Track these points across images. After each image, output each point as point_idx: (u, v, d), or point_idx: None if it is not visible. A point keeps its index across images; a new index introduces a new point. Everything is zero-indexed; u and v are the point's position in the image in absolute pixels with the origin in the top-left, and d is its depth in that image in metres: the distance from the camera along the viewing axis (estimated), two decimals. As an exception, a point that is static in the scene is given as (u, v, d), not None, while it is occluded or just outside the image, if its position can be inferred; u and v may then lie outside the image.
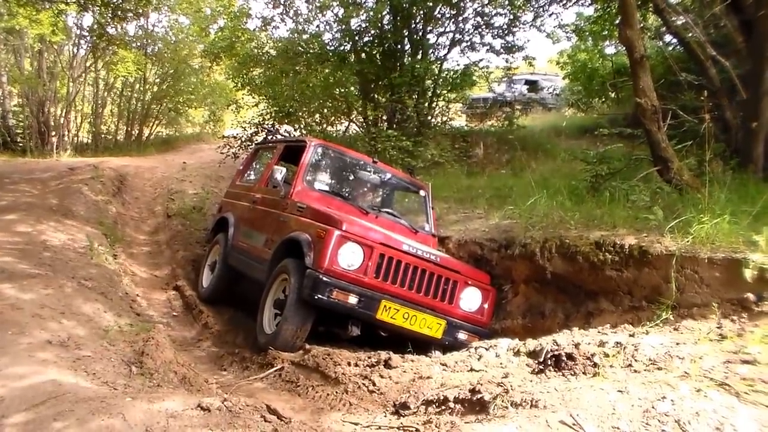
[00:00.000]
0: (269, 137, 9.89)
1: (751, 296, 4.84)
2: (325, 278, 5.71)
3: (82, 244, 8.20)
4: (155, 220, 12.99)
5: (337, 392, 4.84)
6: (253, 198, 8.21)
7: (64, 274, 6.61)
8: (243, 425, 3.25)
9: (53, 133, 21.58)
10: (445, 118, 16.56)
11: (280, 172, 7.16)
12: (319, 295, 5.67)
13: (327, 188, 7.73)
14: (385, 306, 5.89)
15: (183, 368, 4.94)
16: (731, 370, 3.40)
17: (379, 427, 3.92)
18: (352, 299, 5.77)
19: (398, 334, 6.18)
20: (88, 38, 22.34)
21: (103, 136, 25.55)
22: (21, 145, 21.14)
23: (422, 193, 8.43)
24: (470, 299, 6.54)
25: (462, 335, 6.33)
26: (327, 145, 8.17)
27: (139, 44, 24.77)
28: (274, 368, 5.55)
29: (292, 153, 8.07)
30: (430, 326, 6.16)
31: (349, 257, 5.87)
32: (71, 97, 22.71)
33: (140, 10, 18.89)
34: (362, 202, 8.16)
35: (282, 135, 9.26)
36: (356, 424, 4.06)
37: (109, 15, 17.20)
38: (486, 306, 6.63)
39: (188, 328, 7.65)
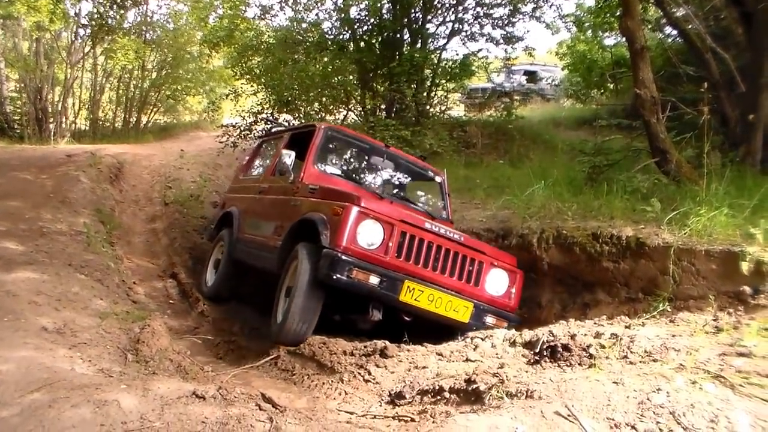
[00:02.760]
0: (272, 129, 9.76)
1: (747, 289, 4.86)
2: (344, 257, 5.26)
3: (79, 231, 8.18)
4: (153, 208, 12.96)
5: (332, 381, 4.84)
6: (260, 188, 7.96)
7: (61, 261, 6.60)
8: (238, 413, 3.24)
9: (51, 120, 21.47)
10: (443, 108, 16.56)
11: (289, 156, 6.78)
12: (338, 275, 5.21)
13: (339, 172, 7.40)
14: (408, 287, 5.44)
15: (179, 356, 4.95)
16: (727, 362, 3.40)
17: (375, 417, 3.92)
18: (373, 279, 5.31)
19: (422, 318, 5.75)
20: (87, 25, 22.23)
21: (101, 123, 25.40)
22: (18, 131, 21.01)
23: (438, 179, 8.12)
24: (497, 282, 6.09)
25: (490, 319, 5.87)
26: (337, 129, 7.91)
27: (137, 32, 24.69)
28: (270, 357, 5.55)
29: (299, 141, 7.60)
30: (457, 309, 5.69)
31: (369, 235, 5.45)
32: (69, 84, 22.61)
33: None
34: (375, 187, 7.70)
35: (283, 125, 9.07)
36: (351, 413, 4.06)
37: (109, 2, 17.15)
38: (514, 290, 6.17)
39: (184, 316, 7.65)
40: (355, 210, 5.40)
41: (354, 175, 7.74)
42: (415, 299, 5.49)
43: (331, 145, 7.65)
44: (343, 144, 7.91)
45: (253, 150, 9.84)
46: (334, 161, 7.56)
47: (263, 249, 6.98)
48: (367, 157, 8.08)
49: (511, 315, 6.10)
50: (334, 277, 5.22)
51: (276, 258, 6.42)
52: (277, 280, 6.25)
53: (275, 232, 6.81)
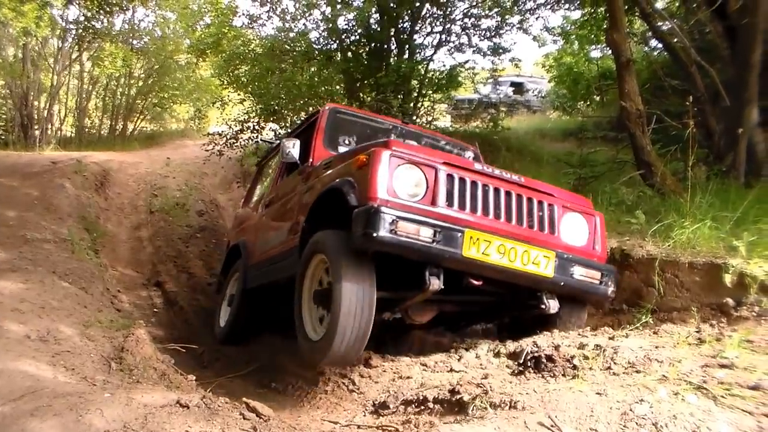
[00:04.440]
0: (267, 150, 9.15)
1: (730, 301, 4.90)
2: (383, 208, 4.07)
3: (64, 239, 8.15)
4: (138, 216, 12.94)
5: (317, 391, 4.84)
6: (266, 203, 7.14)
7: (45, 268, 6.57)
8: (222, 423, 3.24)
9: (36, 127, 21.39)
10: (430, 119, 16.57)
11: (292, 144, 5.93)
12: (380, 232, 4.00)
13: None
14: (472, 238, 4.25)
15: (163, 365, 4.92)
16: (709, 374, 3.42)
17: (359, 427, 3.92)
18: (425, 232, 4.12)
19: (494, 280, 4.61)
20: (74, 31, 22.19)
21: (87, 130, 25.33)
22: (3, 138, 20.90)
23: (469, 154, 7.12)
24: (575, 228, 4.94)
25: (579, 271, 4.69)
26: (344, 109, 7.12)
27: (125, 39, 24.65)
28: (254, 365, 5.54)
29: (303, 136, 6.59)
30: (536, 262, 4.48)
31: (409, 184, 4.35)
32: (55, 91, 22.53)
33: (125, 4, 18.79)
34: None
35: (270, 140, 8.62)
36: (335, 422, 4.06)
37: (95, 9, 17.11)
38: (598, 236, 5.01)
39: (169, 325, 7.63)
40: (386, 154, 4.33)
41: None
42: (483, 253, 4.29)
43: (339, 125, 6.59)
44: (353, 124, 6.76)
45: (252, 179, 9.53)
46: (346, 141, 6.33)
47: (281, 258, 5.93)
48: (384, 136, 6.66)
49: (603, 265, 4.95)
50: (375, 235, 4.01)
51: (295, 258, 5.32)
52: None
53: (290, 232, 5.79)
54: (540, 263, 4.49)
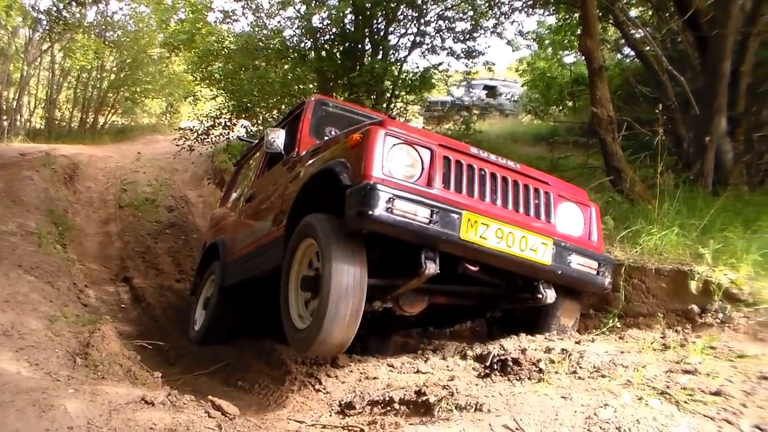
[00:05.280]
0: (245, 149, 9.05)
1: (695, 308, 4.94)
2: (380, 186, 3.89)
3: (30, 232, 8.06)
4: (107, 211, 12.84)
5: (283, 390, 4.82)
6: (247, 198, 6.99)
7: (10, 261, 6.50)
8: (187, 420, 3.22)
9: (5, 118, 21.16)
10: (402, 120, 16.58)
11: (276, 134, 5.79)
12: (375, 211, 3.83)
13: None
14: (470, 220, 4.10)
15: (128, 361, 4.88)
16: (672, 379, 3.45)
17: (324, 426, 3.91)
18: (422, 212, 3.95)
19: (491, 266, 4.49)
20: (45, 22, 21.96)
21: (56, 122, 25.14)
22: (-30, 128, 20.72)
23: None
24: (570, 218, 4.86)
25: (577, 260, 4.58)
26: (329, 100, 6.98)
27: (97, 30, 24.45)
28: (221, 363, 5.51)
29: (286, 128, 6.35)
30: (534, 248, 4.35)
31: (405, 164, 4.20)
32: (25, 81, 22.29)
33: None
34: None
35: (252, 141, 8.44)
36: (301, 422, 4.06)
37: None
38: (594, 227, 4.93)
39: (136, 321, 7.57)
40: (381, 133, 4.18)
41: None
42: (481, 236, 4.15)
43: (325, 116, 6.42)
44: (339, 116, 6.57)
45: (230, 179, 9.30)
46: (332, 132, 5.87)
47: (264, 250, 5.74)
48: None
49: (601, 255, 4.86)
50: (371, 213, 3.84)
51: (281, 248, 5.09)
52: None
53: (275, 222, 5.60)
54: (538, 250, 4.37)
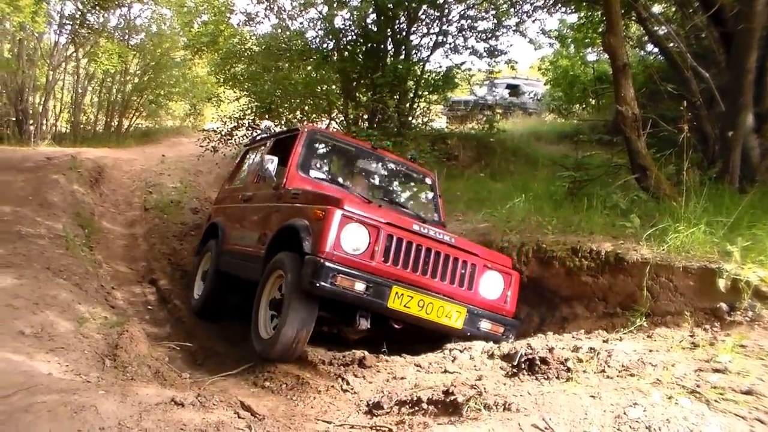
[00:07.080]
0: (256, 136, 9.64)
1: (723, 306, 4.90)
2: (327, 263, 4.93)
3: (58, 235, 8.13)
4: (132, 213, 12.92)
5: (311, 390, 4.83)
6: (244, 196, 7.68)
7: (39, 264, 6.55)
8: (217, 421, 3.24)
9: (31, 122, 21.32)
10: (425, 119, 16.57)
11: (271, 162, 6.51)
12: (321, 282, 4.88)
13: (324, 176, 6.94)
14: (397, 293, 5.12)
15: (157, 362, 4.93)
16: (702, 378, 3.44)
17: (352, 427, 3.92)
18: (359, 286, 5.00)
19: (413, 325, 5.52)
20: (69, 27, 22.14)
21: (82, 126, 25.25)
22: (-3, 132, 20.88)
23: (428, 180, 7.89)
24: (491, 285, 5.79)
25: (485, 325, 5.56)
26: (321, 132, 7.76)
27: (120, 35, 24.62)
28: (248, 364, 5.54)
29: (283, 146, 7.28)
30: (449, 315, 5.37)
31: (354, 240, 5.15)
32: (50, 86, 22.47)
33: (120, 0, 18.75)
34: (363, 191, 7.16)
35: (266, 132, 8.82)
36: (329, 422, 4.06)
37: (91, 4, 17.07)
38: (509, 293, 5.86)
39: (163, 322, 7.62)
40: (338, 213, 5.11)
41: (340, 179, 7.29)
42: (404, 306, 5.18)
43: (315, 148, 7.36)
44: (328, 147, 7.62)
45: (239, 158, 9.61)
46: (318, 165, 7.08)
47: (248, 259, 6.66)
48: (353, 160, 7.86)
49: (508, 319, 5.82)
50: (318, 284, 4.89)
51: (260, 268, 6.09)
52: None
53: (259, 241, 6.51)
54: (452, 317, 5.41)
